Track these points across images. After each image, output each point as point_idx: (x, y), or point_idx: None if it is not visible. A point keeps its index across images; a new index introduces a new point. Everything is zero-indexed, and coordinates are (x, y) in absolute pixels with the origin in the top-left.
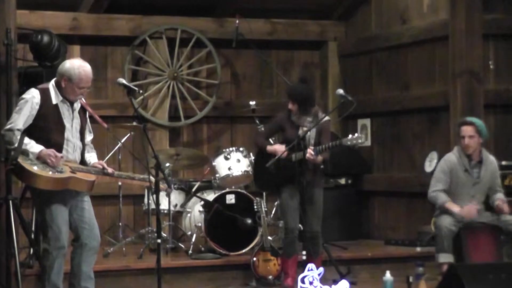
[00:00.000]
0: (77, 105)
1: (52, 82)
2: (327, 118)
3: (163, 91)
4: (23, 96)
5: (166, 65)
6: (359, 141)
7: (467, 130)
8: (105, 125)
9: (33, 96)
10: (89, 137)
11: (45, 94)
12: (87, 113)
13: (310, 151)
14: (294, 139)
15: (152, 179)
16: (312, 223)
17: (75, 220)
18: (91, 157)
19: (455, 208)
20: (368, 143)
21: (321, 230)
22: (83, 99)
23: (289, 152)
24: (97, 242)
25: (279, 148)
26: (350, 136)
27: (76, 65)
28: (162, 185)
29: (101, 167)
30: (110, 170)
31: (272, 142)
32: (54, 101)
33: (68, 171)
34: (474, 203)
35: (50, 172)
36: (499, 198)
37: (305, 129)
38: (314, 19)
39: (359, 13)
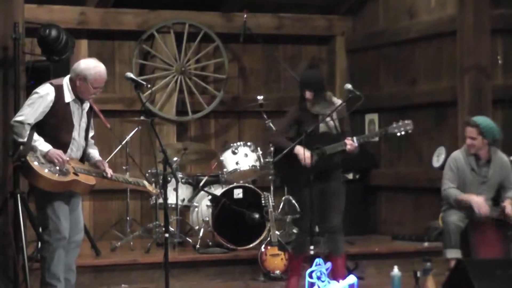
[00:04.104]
0: (86, 105)
1: (66, 79)
2: (340, 102)
3: (171, 85)
4: (38, 90)
5: (174, 59)
6: (408, 127)
7: (469, 131)
8: (108, 125)
9: (47, 93)
10: (91, 133)
11: (59, 92)
12: (93, 111)
13: (350, 142)
14: (314, 130)
15: (146, 183)
16: (331, 217)
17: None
18: (95, 153)
19: (468, 196)
20: (376, 138)
21: (342, 225)
22: None
23: (316, 148)
24: (80, 236)
25: (304, 157)
26: (394, 124)
27: (92, 65)
28: (154, 190)
29: (102, 168)
30: (109, 174)
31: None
32: (66, 100)
33: (71, 173)
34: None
35: (56, 175)
36: (509, 197)
37: (328, 119)
38: (321, 13)
39: (367, 7)
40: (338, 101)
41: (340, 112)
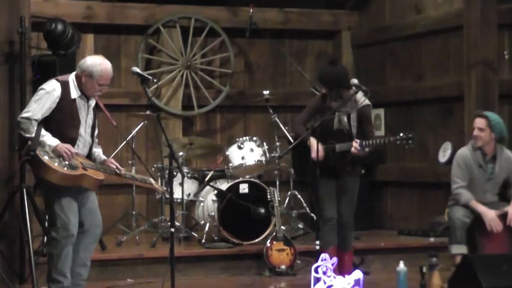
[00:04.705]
0: (92, 102)
1: (72, 76)
2: (366, 102)
3: (177, 80)
4: (44, 86)
5: (180, 54)
6: (410, 141)
7: (478, 122)
8: (114, 123)
9: (54, 89)
10: (95, 132)
11: (65, 88)
12: (98, 108)
13: (356, 145)
14: (329, 125)
15: (153, 181)
16: (343, 212)
17: (80, 208)
18: (99, 153)
19: (480, 208)
20: (382, 133)
21: (353, 221)
22: None
23: (330, 143)
24: (99, 230)
25: (316, 150)
26: (400, 134)
27: (98, 62)
28: (160, 188)
29: (114, 167)
30: (122, 170)
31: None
32: (73, 96)
33: (80, 168)
34: (495, 210)
35: (66, 168)
36: None
37: (342, 116)
38: (327, 8)
39: (373, 2)
40: (362, 99)
41: (362, 110)
